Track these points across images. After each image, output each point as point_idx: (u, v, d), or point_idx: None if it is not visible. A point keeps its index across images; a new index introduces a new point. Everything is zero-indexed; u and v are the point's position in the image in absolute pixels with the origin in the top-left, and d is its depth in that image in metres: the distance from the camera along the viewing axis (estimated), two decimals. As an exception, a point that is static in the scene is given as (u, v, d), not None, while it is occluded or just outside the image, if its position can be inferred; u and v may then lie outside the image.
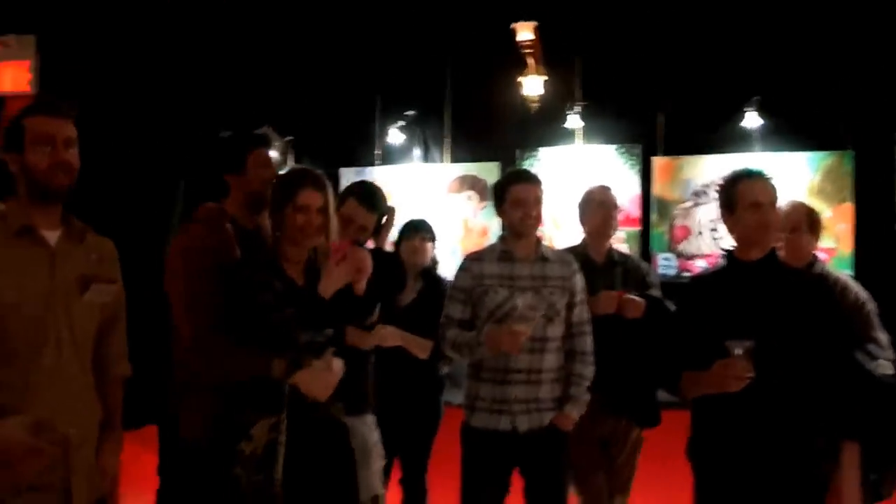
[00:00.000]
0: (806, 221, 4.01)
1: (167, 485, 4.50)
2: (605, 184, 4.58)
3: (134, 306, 5.22)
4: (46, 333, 2.78)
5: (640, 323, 4.09)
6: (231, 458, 3.04)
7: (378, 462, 3.75)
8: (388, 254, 3.80)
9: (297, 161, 7.43)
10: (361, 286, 2.96)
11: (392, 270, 3.72)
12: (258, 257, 3.19)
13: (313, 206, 3.12)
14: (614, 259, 4.37)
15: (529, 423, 3.75)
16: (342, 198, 3.76)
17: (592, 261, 4.30)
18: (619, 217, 4.49)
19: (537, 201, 3.81)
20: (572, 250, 4.30)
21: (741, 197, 3.24)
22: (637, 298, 4.13)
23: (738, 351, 2.98)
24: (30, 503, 2.67)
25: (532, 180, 3.87)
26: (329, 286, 2.96)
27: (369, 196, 3.81)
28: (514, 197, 3.81)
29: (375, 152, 7.29)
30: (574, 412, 3.79)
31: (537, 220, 3.83)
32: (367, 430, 3.71)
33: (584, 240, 4.42)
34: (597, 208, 4.36)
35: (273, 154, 3.52)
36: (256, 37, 7.17)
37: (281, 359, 3.04)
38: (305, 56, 7.25)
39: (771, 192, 3.22)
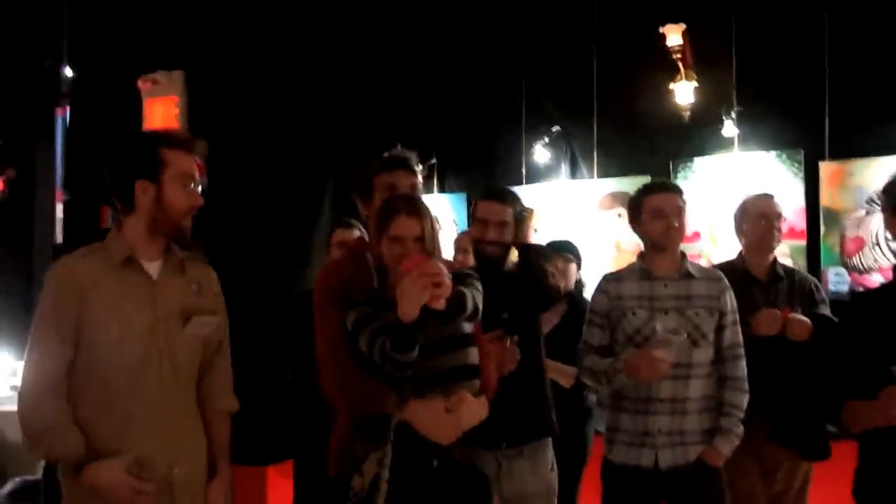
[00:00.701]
0: None
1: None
2: (766, 192, 4.28)
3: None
4: (148, 368, 2.76)
5: (808, 345, 3.76)
6: (345, 496, 2.89)
7: None
8: (517, 273, 3.60)
9: (441, 183, 7.38)
10: (440, 302, 2.72)
11: (522, 288, 3.53)
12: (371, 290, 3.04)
13: (408, 236, 2.90)
14: (778, 274, 4.05)
15: (674, 458, 3.48)
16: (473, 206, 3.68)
17: (753, 276, 4.02)
18: (783, 229, 4.17)
19: (679, 211, 3.55)
20: (730, 265, 4.05)
21: None
22: (803, 318, 3.80)
23: None
24: None
25: (672, 189, 3.64)
26: (406, 308, 2.68)
27: (495, 191, 3.71)
28: (653, 207, 3.57)
29: (521, 171, 7.11)
30: (725, 446, 3.50)
31: (680, 232, 3.57)
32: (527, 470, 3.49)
33: (740, 253, 4.13)
34: (756, 219, 4.06)
35: (408, 177, 3.40)
36: (397, 57, 7.15)
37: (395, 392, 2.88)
38: (447, 74, 7.19)
39: None
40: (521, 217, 3.61)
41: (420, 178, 3.34)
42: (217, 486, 2.95)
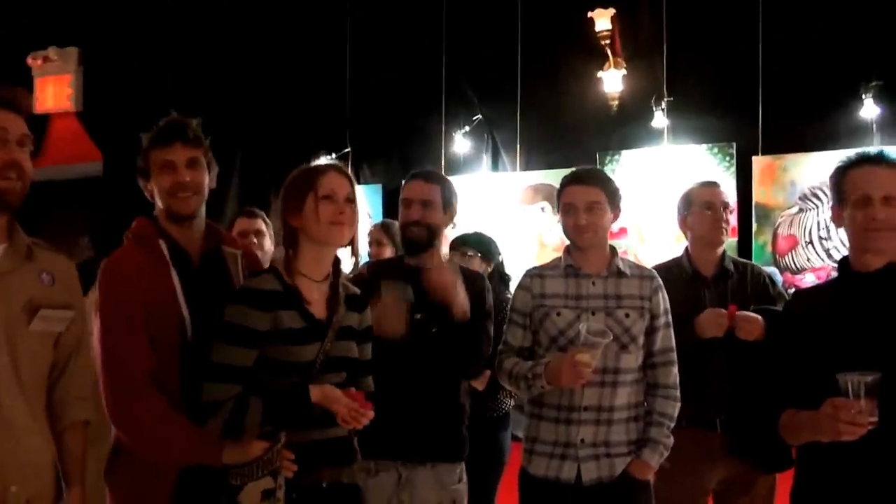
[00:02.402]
0: None
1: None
2: (711, 180, 4.13)
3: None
4: None
5: (762, 345, 3.54)
6: None
7: None
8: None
9: (356, 174, 7.12)
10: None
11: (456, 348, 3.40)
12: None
13: (340, 193, 2.70)
14: (727, 269, 3.85)
15: (598, 471, 3.26)
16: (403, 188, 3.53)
17: (700, 274, 3.81)
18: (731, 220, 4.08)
19: (590, 207, 3.28)
20: (675, 262, 3.88)
21: (850, 188, 2.67)
22: (752, 315, 3.59)
23: (856, 386, 2.39)
24: None
25: (586, 181, 3.35)
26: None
27: (422, 171, 3.59)
28: (564, 202, 3.35)
29: (440, 161, 6.87)
30: (653, 458, 3.29)
31: (592, 230, 3.30)
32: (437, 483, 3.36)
33: (686, 249, 3.92)
34: (701, 209, 3.85)
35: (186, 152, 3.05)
36: (306, 41, 6.94)
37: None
38: (360, 56, 6.98)
39: (888, 182, 2.62)
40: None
41: (207, 150, 2.95)
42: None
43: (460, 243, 4.66)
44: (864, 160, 2.69)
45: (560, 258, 3.43)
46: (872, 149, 2.90)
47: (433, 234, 3.43)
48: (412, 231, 3.41)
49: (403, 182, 3.55)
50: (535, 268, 3.51)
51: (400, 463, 3.30)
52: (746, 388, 3.56)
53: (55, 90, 6.51)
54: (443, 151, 6.87)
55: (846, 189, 2.69)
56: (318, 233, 2.70)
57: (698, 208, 3.86)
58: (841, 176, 2.72)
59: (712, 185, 3.98)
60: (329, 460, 2.75)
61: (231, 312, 2.62)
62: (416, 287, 3.33)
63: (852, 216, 2.68)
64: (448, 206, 3.47)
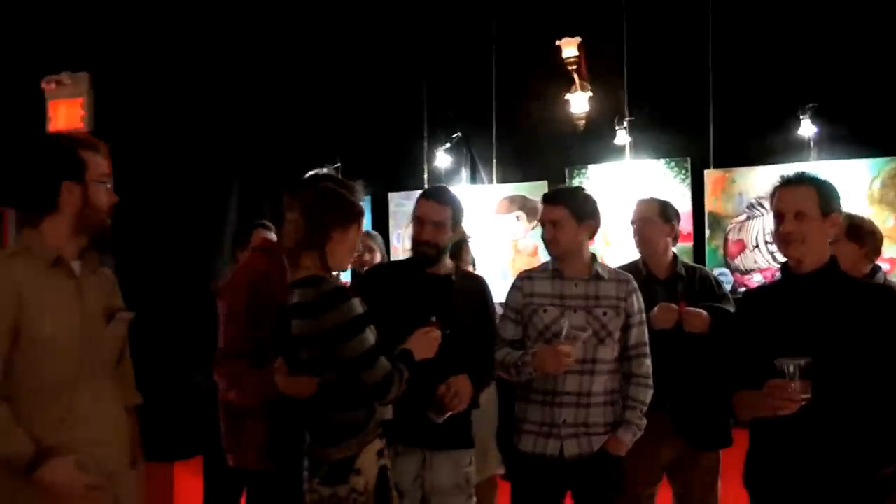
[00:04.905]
0: (844, 230, 3.81)
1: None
2: (648, 196, 4.42)
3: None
4: (82, 366, 2.75)
5: (706, 338, 3.87)
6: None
7: (464, 501, 3.62)
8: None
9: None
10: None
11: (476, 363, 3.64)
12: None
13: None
14: (678, 272, 4.17)
15: (578, 447, 3.58)
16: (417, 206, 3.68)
17: (653, 276, 4.12)
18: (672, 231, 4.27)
19: (554, 223, 3.64)
20: (633, 265, 4.16)
21: (773, 205, 3.04)
22: (699, 311, 3.91)
23: (791, 369, 2.72)
24: None
25: (549, 200, 3.71)
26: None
27: (434, 190, 3.76)
28: (539, 218, 3.77)
29: (423, 176, 7.17)
30: (626, 436, 3.62)
31: (552, 242, 3.65)
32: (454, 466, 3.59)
33: (642, 256, 4.23)
34: (635, 223, 4.22)
35: None
36: (300, 64, 7.17)
37: None
38: (351, 83, 7.22)
39: (794, 201, 2.95)
40: (462, 241, 3.69)
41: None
42: (139, 476, 2.94)
43: None
44: (783, 182, 3.01)
45: (548, 262, 3.75)
46: (800, 168, 3.22)
47: (442, 252, 3.65)
48: (424, 249, 3.61)
49: (418, 198, 3.71)
50: (526, 271, 3.84)
51: (423, 449, 3.55)
52: (693, 375, 3.89)
53: (68, 111, 6.72)
54: (425, 166, 7.15)
55: (772, 206, 3.05)
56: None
57: (632, 222, 4.24)
58: (771, 196, 3.09)
59: (640, 202, 4.30)
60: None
61: (344, 310, 2.92)
62: (434, 291, 3.59)
63: (774, 229, 3.05)
64: (456, 225, 3.68)
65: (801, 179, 2.99)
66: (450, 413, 3.45)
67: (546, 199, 3.74)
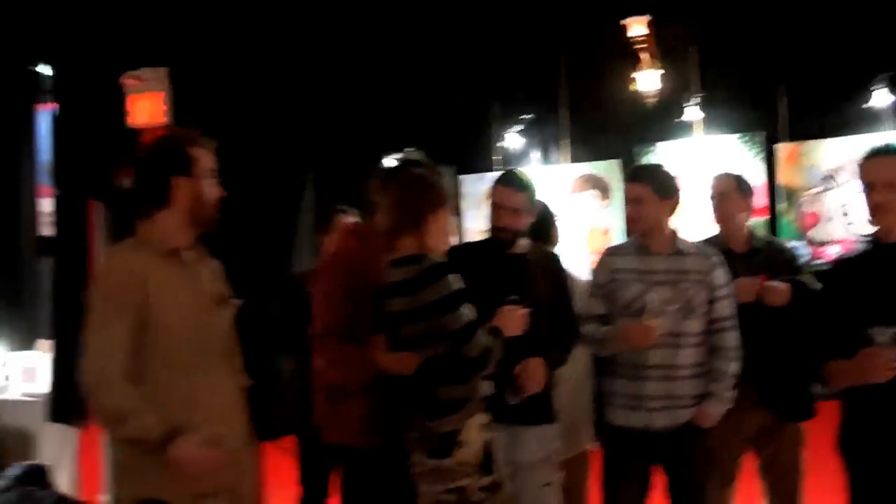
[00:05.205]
0: None
1: (312, 493, 4.59)
2: (725, 172, 4.39)
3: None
4: (201, 350, 2.88)
5: (787, 310, 3.86)
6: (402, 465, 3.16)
7: (546, 476, 3.64)
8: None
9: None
10: None
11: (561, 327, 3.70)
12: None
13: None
14: (755, 246, 4.16)
15: (666, 420, 3.61)
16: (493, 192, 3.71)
17: (731, 251, 4.08)
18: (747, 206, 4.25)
19: (636, 200, 3.67)
20: (712, 240, 4.15)
21: (862, 177, 3.05)
22: (779, 284, 3.90)
23: (885, 338, 2.75)
24: None
25: (631, 178, 3.78)
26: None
27: (508, 176, 3.75)
28: (624, 196, 3.79)
29: (494, 158, 7.23)
30: (713, 409, 3.63)
31: (634, 220, 3.72)
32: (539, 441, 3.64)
33: (721, 231, 4.24)
34: (713, 199, 4.22)
35: None
36: (370, 50, 7.24)
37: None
38: (419, 66, 7.27)
39: (884, 172, 2.97)
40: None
41: None
42: (255, 453, 3.08)
43: None
44: (872, 153, 3.03)
45: (633, 239, 3.78)
46: (874, 139, 3.24)
47: (518, 236, 3.68)
48: (501, 234, 3.66)
49: (493, 184, 3.72)
50: (611, 247, 3.89)
51: (509, 425, 3.54)
52: (776, 347, 3.90)
53: (148, 105, 6.88)
54: (497, 147, 7.20)
55: (861, 177, 3.06)
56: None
57: (710, 198, 4.23)
58: (859, 167, 3.09)
59: (717, 177, 4.29)
60: None
61: (444, 285, 3.01)
62: (512, 270, 3.61)
63: (865, 200, 3.06)
64: (532, 209, 3.72)
65: (890, 150, 3.00)
66: (525, 394, 3.50)
67: (629, 177, 3.79)
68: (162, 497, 2.76)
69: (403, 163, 3.33)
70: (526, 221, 3.68)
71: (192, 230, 2.94)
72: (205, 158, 2.92)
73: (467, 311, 3.04)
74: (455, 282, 3.05)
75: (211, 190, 2.92)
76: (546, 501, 3.61)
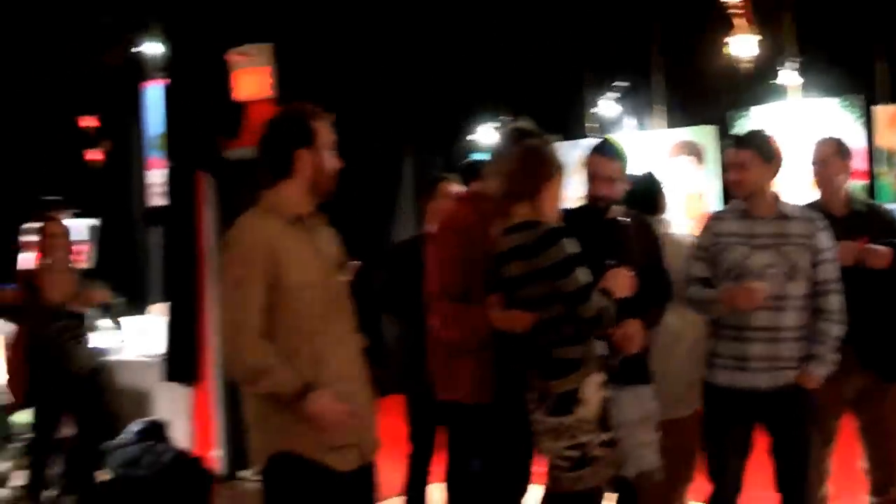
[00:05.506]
0: None
1: (421, 449, 4.77)
2: (826, 136, 4.37)
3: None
4: (326, 310, 3.03)
5: (888, 273, 3.90)
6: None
7: (644, 436, 3.70)
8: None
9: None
10: None
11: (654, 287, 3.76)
12: None
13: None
14: (855, 209, 4.18)
15: (770, 380, 3.67)
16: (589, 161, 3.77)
17: (832, 215, 4.08)
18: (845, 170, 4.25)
19: (737, 166, 3.73)
20: (812, 205, 4.16)
21: None
22: (880, 248, 3.92)
23: None
24: (336, 460, 2.96)
25: (737, 144, 3.81)
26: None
27: (602, 146, 3.80)
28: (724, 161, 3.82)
29: (587, 125, 7.28)
30: (818, 370, 3.68)
31: (737, 183, 3.76)
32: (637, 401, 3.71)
33: (822, 195, 4.25)
34: (814, 164, 4.23)
35: None
36: (470, 18, 7.26)
37: None
38: (516, 34, 7.30)
39: None
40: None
41: None
42: (376, 410, 3.22)
43: None
44: None
45: (737, 203, 3.84)
46: None
47: (612, 203, 3.75)
48: (598, 203, 3.73)
49: (589, 154, 3.78)
50: (716, 212, 3.97)
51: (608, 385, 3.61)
52: (879, 309, 3.94)
53: (254, 80, 7.10)
54: (591, 113, 7.23)
55: None
56: None
57: (811, 163, 4.23)
58: None
59: (818, 142, 4.27)
60: None
61: (560, 249, 3.19)
62: (609, 235, 3.69)
63: None
64: (625, 176, 3.77)
65: None
66: (623, 356, 3.58)
67: (735, 142, 3.83)
68: (295, 449, 2.92)
69: (518, 133, 3.45)
70: (620, 189, 3.75)
71: (313, 199, 3.07)
72: (325, 131, 3.04)
73: (582, 274, 3.16)
74: (570, 246, 3.18)
75: (330, 161, 3.05)
76: (645, 461, 3.68)
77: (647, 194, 4.10)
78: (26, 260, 6.10)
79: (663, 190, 4.42)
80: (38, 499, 5.63)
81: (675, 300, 3.91)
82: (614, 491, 3.68)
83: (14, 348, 5.54)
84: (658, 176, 4.39)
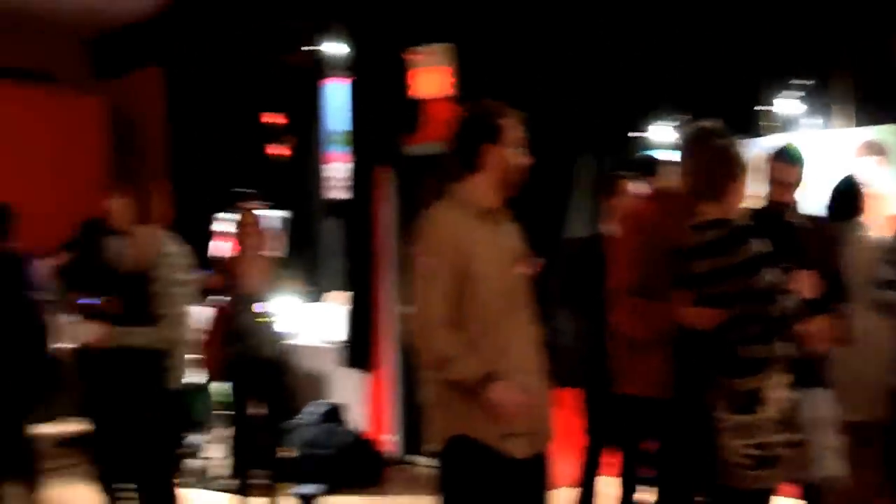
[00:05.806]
0: None
1: (596, 443, 4.84)
2: None
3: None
4: (510, 301, 3.13)
5: None
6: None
7: (823, 440, 3.67)
8: None
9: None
10: None
11: None
12: None
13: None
14: None
15: None
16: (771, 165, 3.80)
17: None
18: None
19: None
20: None
21: None
22: None
23: None
24: (515, 446, 3.05)
25: None
26: None
27: (782, 152, 3.85)
28: None
29: (764, 123, 7.08)
30: None
31: None
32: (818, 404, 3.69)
33: None
34: None
35: None
36: (647, 13, 7.17)
37: None
38: (691, 29, 7.18)
39: None
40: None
41: None
42: (552, 402, 3.32)
43: None
44: None
45: None
46: None
47: (789, 207, 3.82)
48: (778, 209, 3.79)
49: (769, 159, 3.82)
50: None
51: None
52: None
53: (434, 79, 7.29)
54: (766, 112, 7.03)
55: None
56: None
57: None
58: None
59: None
60: None
61: (749, 248, 3.25)
62: (787, 238, 3.64)
63: None
64: (801, 181, 3.82)
65: None
66: (808, 354, 3.53)
67: None
68: (472, 433, 3.03)
69: (707, 133, 3.47)
70: (797, 192, 3.80)
71: (500, 193, 3.18)
72: (512, 128, 3.14)
73: (769, 274, 3.16)
74: (758, 245, 3.18)
75: (517, 157, 3.15)
76: (824, 465, 3.65)
77: (847, 197, 4.06)
78: (219, 248, 6.45)
79: (863, 193, 4.36)
80: (241, 473, 5.95)
81: (863, 304, 3.84)
82: (803, 497, 3.65)
83: (212, 332, 5.87)
84: (858, 179, 4.32)
